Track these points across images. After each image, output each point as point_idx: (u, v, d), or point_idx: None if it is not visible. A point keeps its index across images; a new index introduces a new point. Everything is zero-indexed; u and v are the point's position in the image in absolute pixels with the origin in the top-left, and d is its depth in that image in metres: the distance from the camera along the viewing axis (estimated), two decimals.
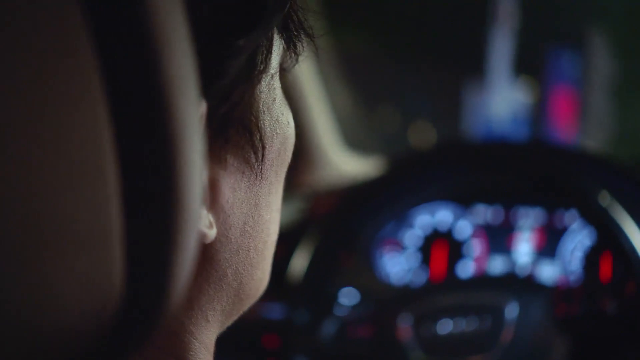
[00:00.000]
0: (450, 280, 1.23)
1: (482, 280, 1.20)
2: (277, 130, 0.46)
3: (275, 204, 0.49)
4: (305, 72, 1.33)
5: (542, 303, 1.05)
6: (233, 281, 0.46)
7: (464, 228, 1.28)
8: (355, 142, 1.53)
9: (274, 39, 0.44)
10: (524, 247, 1.26)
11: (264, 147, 0.44)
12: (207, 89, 0.39)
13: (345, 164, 1.46)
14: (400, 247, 1.28)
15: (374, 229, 1.26)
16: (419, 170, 1.25)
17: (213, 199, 0.42)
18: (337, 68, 1.52)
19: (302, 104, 1.33)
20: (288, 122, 0.48)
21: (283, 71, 0.48)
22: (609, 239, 1.10)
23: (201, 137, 0.32)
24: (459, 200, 1.28)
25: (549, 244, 1.25)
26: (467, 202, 1.28)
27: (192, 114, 0.31)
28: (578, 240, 1.22)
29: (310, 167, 1.39)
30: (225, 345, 1.16)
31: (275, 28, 0.45)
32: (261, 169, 0.45)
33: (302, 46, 0.48)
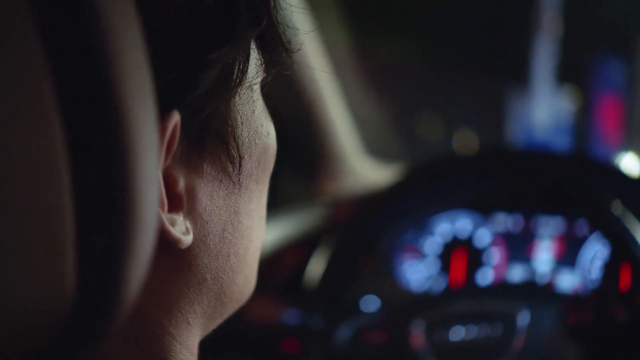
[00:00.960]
0: (466, 288, 1.24)
1: (495, 288, 1.22)
2: (256, 140, 0.47)
3: (257, 212, 0.50)
4: (327, 81, 1.36)
5: (554, 311, 1.06)
6: (213, 285, 0.47)
7: (483, 236, 1.29)
8: (381, 150, 1.55)
9: (252, 53, 0.46)
10: (543, 256, 1.26)
11: (240, 157, 0.46)
12: (181, 100, 0.40)
13: (369, 172, 1.48)
14: (420, 254, 1.30)
15: (394, 236, 1.28)
16: (439, 178, 1.26)
17: (190, 206, 0.44)
18: (361, 76, 1.55)
19: (323, 112, 1.36)
20: (268, 133, 0.49)
21: (265, 84, 0.50)
22: (623, 248, 1.10)
23: (156, 145, 0.34)
24: (479, 208, 1.29)
25: (569, 252, 1.25)
26: (487, 211, 1.29)
27: (145, 121, 0.32)
28: (597, 249, 1.22)
29: (332, 175, 1.42)
30: (246, 350, 1.20)
31: (253, 42, 0.46)
32: (239, 178, 0.46)
33: (279, 60, 0.49)
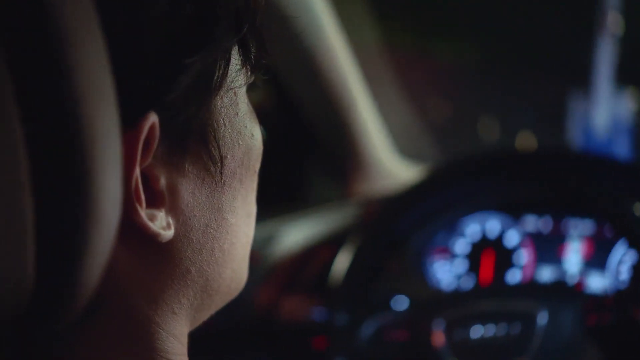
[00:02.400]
0: (494, 287, 1.25)
1: (523, 287, 1.23)
2: (239, 141, 0.49)
3: (243, 209, 0.52)
4: (357, 82, 1.39)
5: (575, 312, 1.06)
6: (198, 278, 0.49)
7: (512, 237, 1.30)
8: (413, 151, 1.57)
9: (234, 57, 0.48)
10: (573, 257, 1.27)
11: (222, 157, 0.48)
12: (157, 103, 0.43)
13: (405, 173, 1.50)
14: (450, 254, 1.32)
15: (425, 236, 1.31)
16: (467, 178, 1.28)
17: (172, 202, 0.46)
18: (393, 77, 1.57)
19: (354, 114, 1.39)
20: (252, 135, 0.51)
21: (253, 86, 0.52)
22: None
23: (117, 146, 0.36)
24: (509, 211, 1.31)
25: (599, 254, 1.26)
26: (517, 213, 1.31)
27: (106, 122, 0.35)
28: (626, 252, 1.22)
29: (364, 177, 1.45)
30: (277, 347, 1.25)
31: (236, 46, 0.48)
32: (222, 177, 0.48)
33: (262, 65, 0.51)
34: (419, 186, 1.26)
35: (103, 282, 0.42)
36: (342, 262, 1.21)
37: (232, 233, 0.51)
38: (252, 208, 0.55)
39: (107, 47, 0.38)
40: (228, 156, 0.49)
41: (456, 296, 1.20)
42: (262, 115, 1.39)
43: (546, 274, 1.27)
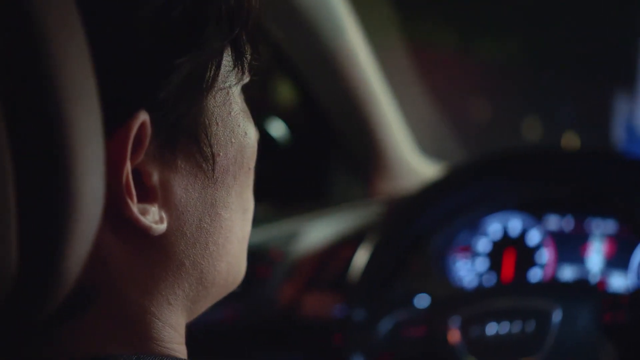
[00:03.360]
0: (515, 285, 1.26)
1: (543, 286, 1.23)
2: (232, 139, 0.51)
3: (237, 205, 0.53)
4: (379, 82, 1.40)
5: (590, 310, 1.06)
6: (193, 270, 0.50)
7: (534, 236, 1.31)
8: (440, 151, 1.58)
9: (226, 58, 0.49)
10: (595, 257, 1.27)
11: (214, 155, 0.49)
12: (147, 102, 0.44)
13: (428, 172, 1.50)
14: (471, 253, 1.33)
15: (447, 235, 1.32)
16: (487, 178, 1.29)
17: (165, 197, 0.47)
18: (415, 76, 1.58)
19: (377, 113, 1.40)
20: (245, 133, 0.52)
21: (248, 86, 0.53)
22: None
23: (99, 143, 0.38)
24: (531, 210, 1.31)
25: (621, 254, 1.25)
26: (539, 213, 1.31)
27: (88, 120, 0.36)
28: None
29: (388, 176, 1.46)
30: (300, 343, 1.27)
31: (228, 48, 0.49)
32: (214, 173, 0.50)
33: (253, 66, 0.52)
34: (436, 185, 1.27)
35: (99, 273, 0.45)
36: (360, 259, 1.23)
37: (227, 228, 0.52)
38: (248, 204, 0.56)
39: (91, 47, 0.40)
40: (221, 154, 0.50)
41: (474, 294, 1.20)
42: (287, 115, 1.42)
43: (568, 273, 1.27)
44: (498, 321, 1.08)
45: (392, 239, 1.25)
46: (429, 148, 1.57)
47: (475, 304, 1.12)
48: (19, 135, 0.34)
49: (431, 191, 1.27)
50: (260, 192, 1.48)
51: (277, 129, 1.47)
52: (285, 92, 1.45)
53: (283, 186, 1.49)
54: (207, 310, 1.26)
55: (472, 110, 2.30)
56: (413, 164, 1.50)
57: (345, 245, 1.31)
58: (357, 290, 1.21)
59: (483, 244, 1.32)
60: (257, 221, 1.37)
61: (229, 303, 1.26)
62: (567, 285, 1.18)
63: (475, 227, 1.33)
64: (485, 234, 1.33)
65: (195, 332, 1.22)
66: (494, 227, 1.33)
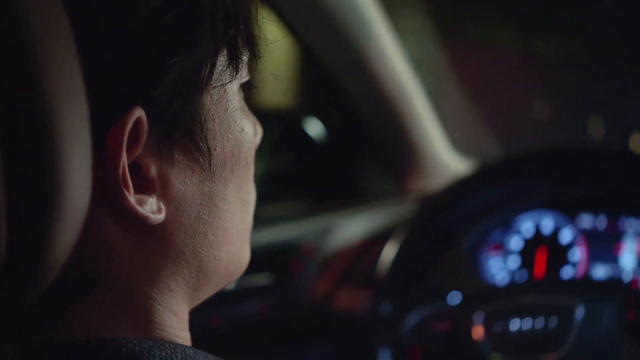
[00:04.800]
0: (547, 283, 1.26)
1: (576, 283, 1.23)
2: (229, 135, 0.53)
3: (236, 197, 0.55)
4: (411, 80, 1.41)
5: (613, 307, 1.06)
6: (192, 259, 0.53)
7: (566, 235, 1.30)
8: (477, 150, 1.58)
9: (222, 57, 0.52)
10: (627, 255, 1.26)
11: (209, 149, 0.51)
12: (142, 99, 0.47)
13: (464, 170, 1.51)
14: (504, 251, 1.33)
15: (480, 232, 1.33)
16: (515, 176, 1.29)
17: (163, 189, 0.50)
18: (452, 74, 1.58)
19: (410, 112, 1.41)
20: (242, 129, 0.54)
21: (248, 84, 0.56)
22: None
23: (86, 137, 0.40)
24: (564, 209, 1.31)
25: None
26: (572, 212, 1.31)
27: (75, 114, 0.39)
28: None
29: (422, 174, 1.47)
30: (333, 338, 1.29)
31: (225, 47, 0.52)
32: (210, 167, 0.52)
33: (250, 66, 0.55)
34: (463, 181, 1.28)
35: (102, 260, 0.48)
36: (388, 254, 1.25)
37: (225, 219, 0.54)
38: (248, 197, 0.58)
39: (86, 46, 0.42)
40: (217, 148, 0.52)
41: (502, 290, 1.21)
42: (323, 115, 1.44)
43: (600, 272, 1.27)
44: (521, 317, 1.09)
45: (419, 234, 1.27)
46: (466, 147, 1.57)
47: (500, 300, 1.13)
48: (8, 130, 0.37)
49: (458, 187, 1.28)
50: (297, 189, 1.51)
51: (314, 128, 1.50)
52: (321, 92, 1.47)
53: (318, 184, 1.52)
54: (239, 304, 1.29)
55: (537, 110, 2.28)
56: (448, 162, 1.51)
57: (377, 241, 1.32)
58: (384, 285, 1.22)
59: (515, 242, 1.33)
60: (291, 217, 1.40)
61: (261, 297, 1.30)
62: (591, 283, 1.18)
63: (508, 225, 1.33)
64: (517, 232, 1.33)
65: (227, 326, 1.26)
66: (527, 226, 1.33)
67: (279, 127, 1.52)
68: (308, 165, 1.52)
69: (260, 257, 1.31)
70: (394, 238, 1.26)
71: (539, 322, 1.08)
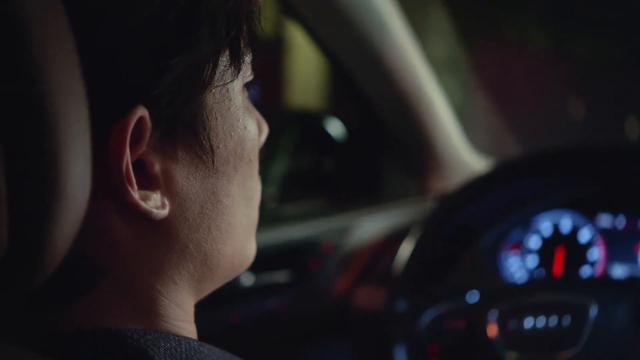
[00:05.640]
0: (565, 281, 1.26)
1: (595, 281, 1.23)
2: (232, 133, 0.54)
3: (240, 194, 0.57)
4: (430, 81, 1.42)
5: (626, 306, 1.07)
6: (197, 253, 0.54)
7: (585, 234, 1.31)
8: (498, 151, 1.58)
9: (225, 57, 0.53)
10: None
11: (212, 147, 0.53)
12: (143, 98, 0.48)
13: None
14: (522, 250, 1.34)
15: (499, 232, 1.33)
16: (533, 175, 1.29)
17: (167, 185, 0.51)
18: (480, 75, 1.58)
19: (429, 113, 1.42)
20: (245, 127, 0.56)
21: (249, 84, 0.57)
22: None
23: (85, 136, 0.41)
24: (583, 209, 1.31)
25: None
26: (591, 212, 1.31)
27: (74, 113, 0.40)
28: None
29: (443, 174, 1.48)
30: (352, 334, 1.30)
31: (228, 47, 0.53)
32: (213, 164, 0.53)
33: (246, 64, 0.55)
34: (478, 179, 1.29)
35: (109, 252, 0.50)
36: (404, 251, 1.27)
37: (229, 214, 0.56)
38: (252, 193, 0.59)
39: (89, 46, 0.44)
40: (220, 146, 0.53)
41: (517, 288, 1.21)
42: (344, 115, 1.45)
43: (618, 271, 1.26)
44: (535, 315, 1.09)
45: (435, 231, 1.28)
46: (487, 147, 1.57)
47: (514, 298, 1.14)
48: (10, 127, 0.38)
49: (474, 185, 1.29)
50: (318, 188, 1.52)
51: (335, 128, 1.52)
52: (342, 92, 1.49)
53: (339, 183, 1.54)
54: (259, 301, 1.31)
55: (573, 111, 2.27)
56: (468, 161, 1.52)
57: (396, 240, 1.33)
58: (400, 282, 1.24)
59: (534, 241, 1.33)
60: (312, 216, 1.42)
61: (281, 294, 1.32)
62: (607, 282, 1.18)
63: (527, 225, 1.33)
64: (536, 231, 1.33)
65: (247, 322, 1.28)
66: (546, 225, 1.33)
67: (301, 127, 1.54)
68: (329, 164, 1.54)
69: (281, 255, 1.33)
70: (411, 235, 1.27)
71: (553, 320, 1.09)
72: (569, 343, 1.07)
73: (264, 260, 1.31)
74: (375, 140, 1.51)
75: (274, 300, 1.31)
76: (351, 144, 1.51)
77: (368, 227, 1.41)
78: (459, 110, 1.55)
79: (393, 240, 1.36)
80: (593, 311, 1.07)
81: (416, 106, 1.39)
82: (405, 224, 1.38)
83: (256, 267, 1.29)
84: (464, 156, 1.52)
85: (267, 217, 1.40)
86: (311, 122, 1.55)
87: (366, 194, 1.53)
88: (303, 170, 1.52)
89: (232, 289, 1.25)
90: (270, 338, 1.34)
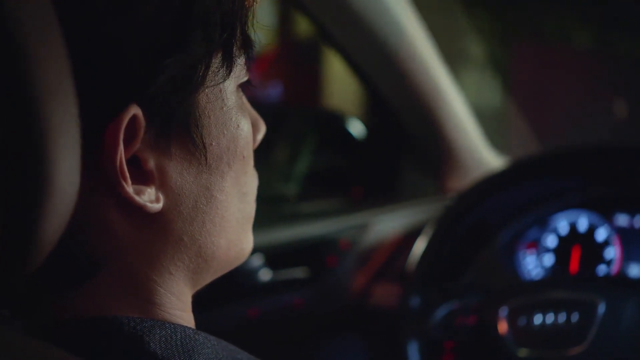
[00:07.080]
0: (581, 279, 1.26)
1: (611, 280, 1.23)
2: (224, 131, 0.56)
3: (234, 189, 0.59)
4: (446, 80, 1.44)
5: (634, 303, 1.07)
6: (191, 245, 0.56)
7: (601, 234, 1.31)
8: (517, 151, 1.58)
9: (219, 58, 0.55)
10: None
11: (205, 144, 0.55)
12: (137, 97, 0.50)
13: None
14: (538, 249, 1.35)
15: (516, 231, 1.34)
16: (548, 175, 1.30)
17: (161, 180, 0.53)
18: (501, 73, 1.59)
19: (446, 113, 1.44)
20: (238, 126, 0.58)
21: (247, 84, 0.59)
22: None
23: (74, 134, 0.43)
24: (599, 208, 1.32)
25: None
26: (608, 211, 1.31)
27: (63, 111, 0.41)
28: None
29: (461, 173, 1.49)
30: (369, 331, 1.32)
31: (221, 49, 0.55)
32: (206, 160, 0.55)
33: (239, 66, 0.57)
34: (492, 177, 1.30)
35: (107, 244, 0.52)
36: (418, 248, 1.28)
37: (223, 208, 0.58)
38: (247, 188, 0.61)
39: (83, 46, 0.46)
40: (213, 143, 0.55)
41: (526, 285, 1.22)
42: (363, 115, 1.47)
43: (635, 270, 1.27)
44: (544, 312, 1.10)
45: (450, 228, 1.29)
46: (506, 147, 1.58)
47: (523, 295, 1.15)
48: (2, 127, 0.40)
49: (488, 183, 1.29)
50: (337, 187, 1.54)
51: (354, 127, 1.54)
52: (360, 92, 1.50)
53: (359, 182, 1.56)
54: (277, 296, 1.34)
55: (616, 110, 2.26)
56: (487, 160, 1.53)
57: (414, 238, 1.35)
58: (413, 278, 1.25)
59: (551, 240, 1.34)
60: (331, 213, 1.44)
61: (298, 290, 1.35)
62: (621, 280, 1.19)
63: (544, 224, 1.34)
64: (553, 230, 1.34)
65: (265, 317, 1.31)
66: (562, 224, 1.34)
67: (322, 126, 1.57)
68: (349, 163, 1.56)
69: (299, 251, 1.35)
70: (424, 232, 1.29)
71: (561, 317, 1.10)
72: (577, 340, 1.07)
73: (283, 256, 1.34)
74: (394, 140, 1.52)
75: (291, 296, 1.33)
76: (371, 143, 1.53)
77: (386, 225, 1.43)
78: (499, 110, 1.56)
79: (410, 238, 1.37)
80: (601, 309, 1.07)
81: (434, 105, 1.40)
82: (423, 222, 1.39)
83: (275, 263, 1.32)
84: (483, 155, 1.52)
85: (287, 215, 1.43)
86: (332, 122, 1.57)
87: (385, 193, 1.55)
88: (323, 168, 1.54)
89: (251, 284, 1.28)
90: (287, 333, 1.36)
